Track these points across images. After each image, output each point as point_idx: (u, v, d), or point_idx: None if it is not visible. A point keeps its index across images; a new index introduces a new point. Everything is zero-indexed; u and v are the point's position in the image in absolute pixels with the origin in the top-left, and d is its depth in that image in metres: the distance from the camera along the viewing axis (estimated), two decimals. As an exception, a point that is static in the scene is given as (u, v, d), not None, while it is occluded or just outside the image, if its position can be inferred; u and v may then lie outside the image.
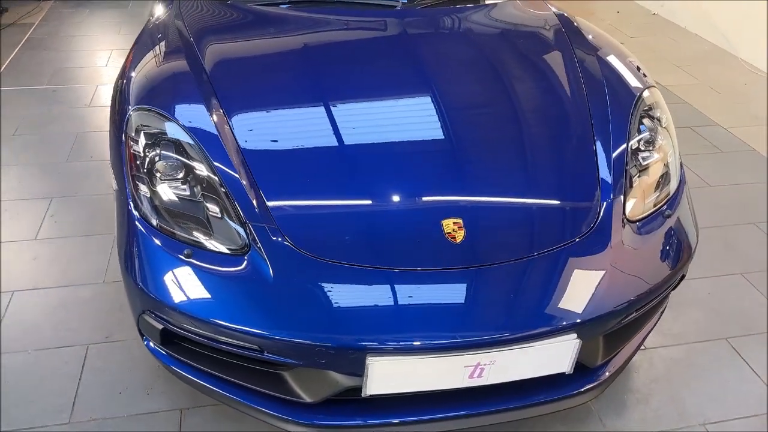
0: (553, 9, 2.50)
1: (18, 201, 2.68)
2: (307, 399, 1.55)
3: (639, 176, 1.82)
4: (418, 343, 1.41)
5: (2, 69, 3.89)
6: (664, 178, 1.86)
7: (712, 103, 3.87)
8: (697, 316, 2.30)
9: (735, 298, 2.38)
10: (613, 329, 1.61)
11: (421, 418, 1.59)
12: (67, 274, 2.30)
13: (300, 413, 1.57)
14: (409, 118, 1.89)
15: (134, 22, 4.47)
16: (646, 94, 2.02)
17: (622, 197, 1.73)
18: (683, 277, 1.82)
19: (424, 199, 1.64)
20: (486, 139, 1.84)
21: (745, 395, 2.00)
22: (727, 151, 3.38)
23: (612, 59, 2.17)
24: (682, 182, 1.90)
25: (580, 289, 1.52)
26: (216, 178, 1.60)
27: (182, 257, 1.51)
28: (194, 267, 1.51)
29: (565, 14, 2.44)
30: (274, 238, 1.51)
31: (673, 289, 1.83)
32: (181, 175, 1.63)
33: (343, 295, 1.45)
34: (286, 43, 2.17)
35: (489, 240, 1.58)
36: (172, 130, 1.69)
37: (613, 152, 1.81)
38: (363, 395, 1.47)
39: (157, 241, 1.55)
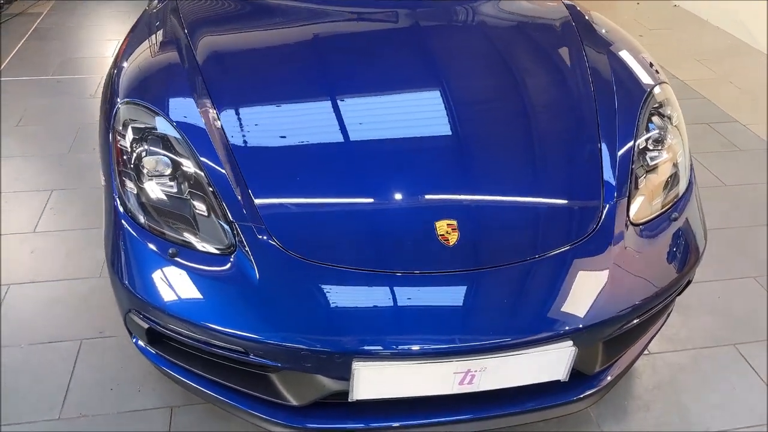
0: (565, 1, 2.41)
1: (18, 193, 2.68)
2: (294, 402, 1.51)
3: (646, 177, 1.75)
4: (405, 349, 1.36)
5: (9, 59, 3.89)
6: (673, 179, 1.79)
7: (732, 99, 3.75)
8: (705, 320, 2.22)
9: (746, 302, 2.30)
10: (613, 336, 1.55)
11: (412, 422, 1.55)
12: (64, 267, 2.29)
13: (287, 415, 1.54)
14: (407, 114, 1.84)
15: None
16: (657, 90, 1.94)
17: (626, 199, 1.66)
18: (689, 282, 1.75)
19: (418, 199, 1.59)
20: (486, 137, 1.78)
21: (751, 404, 1.93)
22: (744, 149, 3.27)
23: (623, 54, 2.09)
24: (691, 184, 1.82)
25: (577, 295, 1.46)
26: (203, 175, 1.56)
27: (167, 256, 1.48)
28: (179, 266, 1.47)
29: (577, 7, 2.36)
30: (261, 238, 1.47)
31: (678, 295, 1.76)
32: (168, 172, 1.59)
33: (330, 298, 1.41)
34: (283, 35, 2.13)
35: (483, 243, 1.53)
36: (161, 125, 1.65)
37: (619, 151, 1.74)
38: (350, 400, 1.44)
39: (142, 240, 1.52)
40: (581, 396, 1.63)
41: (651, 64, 2.07)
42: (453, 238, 1.50)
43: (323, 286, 1.42)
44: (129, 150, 1.63)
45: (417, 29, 2.16)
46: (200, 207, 1.54)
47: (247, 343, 1.39)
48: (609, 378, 1.68)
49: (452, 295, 1.44)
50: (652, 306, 1.58)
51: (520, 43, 2.19)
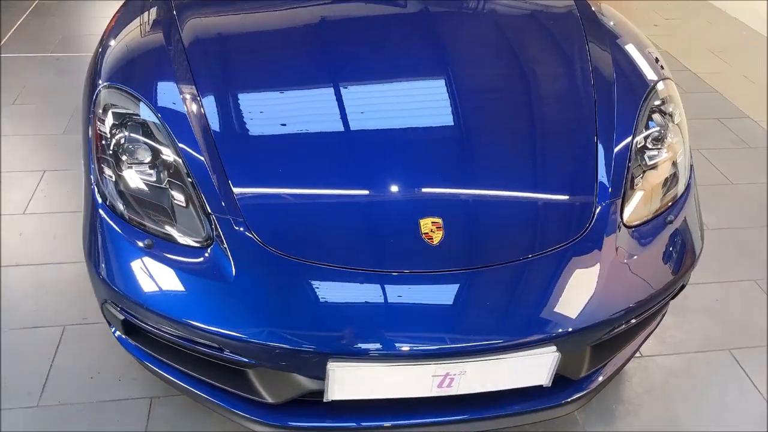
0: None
1: (10, 173, 2.65)
2: (270, 399, 1.48)
3: (643, 176, 1.69)
4: (381, 350, 1.32)
5: (9, 35, 3.85)
6: (671, 179, 1.73)
7: (745, 94, 3.64)
8: (701, 324, 2.17)
9: (745, 306, 2.24)
10: (601, 340, 1.51)
11: (399, 422, 1.51)
12: (51, 251, 2.27)
13: (262, 412, 1.51)
14: (396, 105, 1.78)
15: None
16: (660, 86, 1.87)
17: (620, 199, 1.60)
18: (684, 286, 1.70)
19: (404, 195, 1.54)
20: (478, 133, 1.72)
21: (743, 412, 1.88)
22: (754, 146, 3.18)
23: (629, 48, 2.01)
24: (690, 185, 1.76)
25: (562, 300, 1.41)
26: (182, 163, 1.52)
27: (143, 247, 1.44)
28: (155, 258, 1.44)
29: None
30: (238, 231, 1.43)
31: (672, 299, 1.71)
32: (148, 160, 1.55)
33: (307, 296, 1.37)
34: (276, 17, 2.06)
35: (468, 243, 1.48)
36: (141, 111, 1.60)
37: (616, 149, 1.68)
38: (325, 400, 1.40)
39: (118, 229, 1.49)
40: (569, 400, 1.59)
41: (657, 60, 1.99)
42: (437, 237, 1.45)
43: (300, 284, 1.38)
44: (108, 136, 1.59)
45: (410, 16, 2.09)
46: (179, 197, 1.50)
47: (221, 339, 1.35)
48: (598, 381, 1.64)
49: (432, 297, 1.40)
50: (643, 311, 1.53)
51: (520, 34, 2.12)
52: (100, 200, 1.53)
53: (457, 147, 1.66)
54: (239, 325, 1.34)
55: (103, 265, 1.47)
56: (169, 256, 1.44)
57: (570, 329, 1.38)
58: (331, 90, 1.74)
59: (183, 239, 1.46)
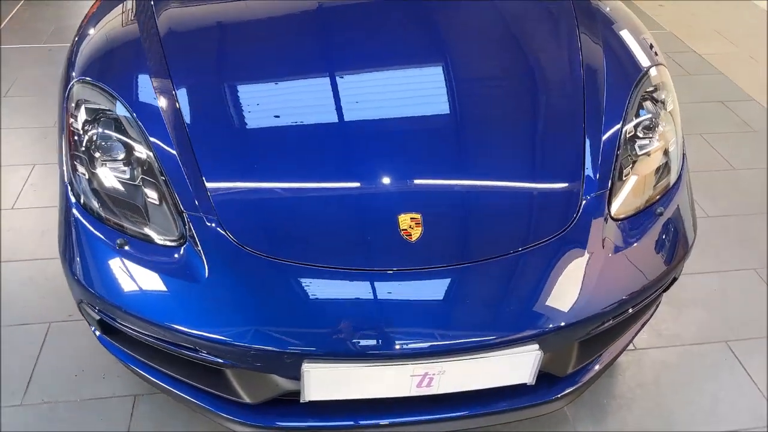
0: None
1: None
2: (248, 400, 1.46)
3: (633, 166, 1.63)
4: (357, 351, 1.29)
5: (2, 25, 3.82)
6: (663, 169, 1.67)
7: (751, 76, 3.54)
8: (698, 314, 2.12)
9: (743, 296, 2.19)
10: (588, 336, 1.47)
11: (375, 421, 1.49)
12: (39, 247, 2.26)
13: (242, 412, 1.49)
14: (379, 95, 1.73)
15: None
16: (652, 72, 1.80)
17: (608, 191, 1.55)
18: (675, 279, 1.65)
19: (382, 191, 1.50)
20: (461, 123, 1.67)
21: (738, 407, 1.84)
22: (758, 129, 3.10)
23: (623, 33, 1.94)
24: (681, 176, 1.70)
25: (543, 296, 1.37)
26: (155, 159, 1.48)
27: (116, 247, 1.42)
28: (129, 258, 1.41)
29: None
30: (211, 228, 1.40)
31: (663, 292, 1.66)
32: (122, 156, 1.52)
33: (279, 296, 1.34)
34: (256, 9, 2.01)
35: (448, 240, 1.44)
36: (114, 107, 1.57)
37: (604, 137, 1.63)
38: (301, 401, 1.38)
39: (91, 228, 1.46)
40: (557, 396, 1.55)
41: (651, 46, 1.92)
42: (416, 234, 1.41)
43: (272, 284, 1.35)
44: (81, 132, 1.56)
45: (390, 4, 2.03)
46: (152, 195, 1.47)
47: (193, 340, 1.33)
48: (587, 377, 1.60)
49: (408, 295, 1.37)
50: (631, 306, 1.49)
51: (511, 19, 2.05)
52: (73, 199, 1.50)
53: (439, 139, 1.62)
54: (211, 326, 1.31)
55: (77, 266, 1.45)
56: (142, 256, 1.41)
57: (551, 327, 1.34)
58: (309, 82, 1.70)
59: (157, 238, 1.43)
